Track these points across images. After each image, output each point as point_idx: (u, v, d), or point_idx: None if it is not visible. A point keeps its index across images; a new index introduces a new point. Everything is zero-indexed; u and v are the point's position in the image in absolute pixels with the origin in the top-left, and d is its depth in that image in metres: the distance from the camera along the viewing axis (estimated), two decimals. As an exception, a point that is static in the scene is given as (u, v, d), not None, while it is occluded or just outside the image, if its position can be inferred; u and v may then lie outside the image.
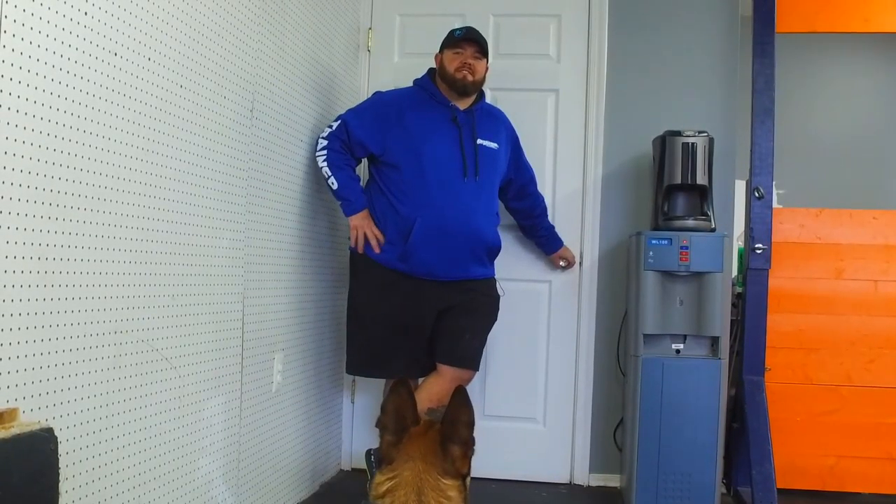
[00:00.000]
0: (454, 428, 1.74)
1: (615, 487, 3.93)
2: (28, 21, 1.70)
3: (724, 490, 3.72)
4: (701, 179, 3.55)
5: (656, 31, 4.04)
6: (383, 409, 1.80)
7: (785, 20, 3.88)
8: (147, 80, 2.17)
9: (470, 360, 3.46)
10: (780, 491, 3.48)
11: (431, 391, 3.33)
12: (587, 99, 4.05)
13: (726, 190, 3.88)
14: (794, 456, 3.85)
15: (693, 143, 3.55)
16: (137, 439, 2.17)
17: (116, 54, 2.02)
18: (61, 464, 1.60)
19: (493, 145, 3.53)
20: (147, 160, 2.17)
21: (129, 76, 2.08)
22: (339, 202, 3.45)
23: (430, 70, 3.56)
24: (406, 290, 3.41)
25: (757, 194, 3.73)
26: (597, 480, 4.00)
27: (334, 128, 3.42)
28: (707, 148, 3.57)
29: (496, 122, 3.62)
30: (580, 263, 4.01)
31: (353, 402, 4.08)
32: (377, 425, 1.81)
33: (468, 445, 1.75)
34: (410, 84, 3.61)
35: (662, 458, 3.43)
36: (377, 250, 3.38)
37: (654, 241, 3.48)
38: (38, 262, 1.75)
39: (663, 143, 3.61)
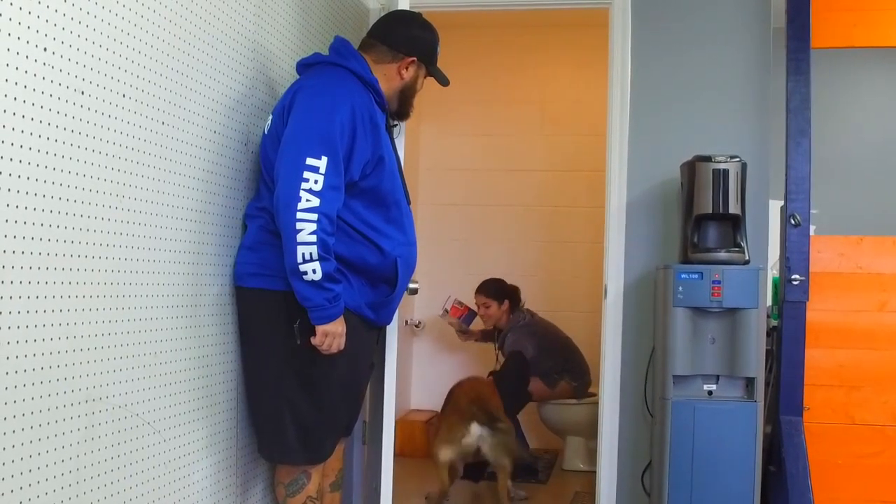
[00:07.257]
0: None
1: (643, 535, 3.70)
2: None
3: (760, 539, 3.49)
4: (733, 208, 3.32)
5: (683, 48, 3.81)
6: None
7: (820, 35, 3.65)
8: (127, 115, 1.98)
9: None
10: (823, 541, 3.26)
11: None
12: (610, 120, 3.84)
13: (760, 216, 3.65)
14: (836, 501, 3.60)
15: (725, 170, 3.31)
16: (116, 515, 1.97)
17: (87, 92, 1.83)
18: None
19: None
20: (121, 207, 1.98)
21: (105, 115, 1.89)
22: (318, 305, 2.36)
23: (360, 55, 2.65)
24: (369, 341, 2.73)
25: (793, 221, 3.50)
26: (624, 527, 3.77)
27: (323, 169, 2.32)
28: (739, 174, 3.34)
29: None
30: (605, 296, 3.78)
31: (364, 444, 3.87)
32: None
33: None
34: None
35: (695, 505, 3.23)
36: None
37: (683, 276, 3.25)
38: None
39: (692, 169, 3.38)
